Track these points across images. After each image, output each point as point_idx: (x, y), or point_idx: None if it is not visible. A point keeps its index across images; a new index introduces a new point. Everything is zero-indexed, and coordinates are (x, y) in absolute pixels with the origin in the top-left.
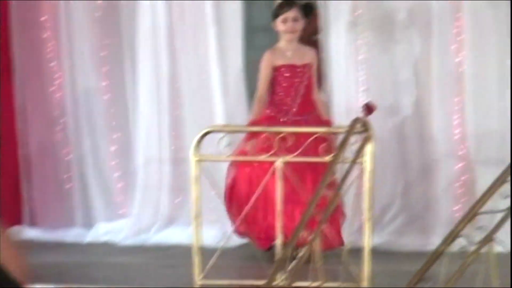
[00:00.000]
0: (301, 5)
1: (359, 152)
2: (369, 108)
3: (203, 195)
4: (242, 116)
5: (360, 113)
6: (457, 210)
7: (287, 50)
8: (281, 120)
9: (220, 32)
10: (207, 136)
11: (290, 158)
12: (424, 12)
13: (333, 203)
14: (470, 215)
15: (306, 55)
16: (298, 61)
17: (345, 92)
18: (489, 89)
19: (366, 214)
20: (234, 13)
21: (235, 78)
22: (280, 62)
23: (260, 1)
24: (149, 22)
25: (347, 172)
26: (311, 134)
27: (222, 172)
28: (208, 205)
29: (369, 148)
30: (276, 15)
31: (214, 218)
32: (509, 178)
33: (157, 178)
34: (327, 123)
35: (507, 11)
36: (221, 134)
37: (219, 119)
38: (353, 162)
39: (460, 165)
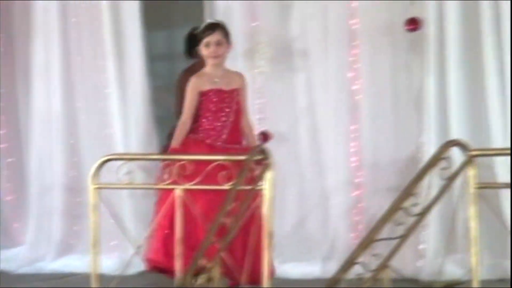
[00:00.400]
0: (226, 28)
1: (259, 179)
2: (265, 136)
3: (103, 222)
4: (149, 143)
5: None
6: (354, 238)
7: (214, 75)
8: (208, 143)
9: (120, 61)
10: (107, 164)
11: (189, 186)
12: (321, 40)
13: (232, 231)
14: (366, 242)
15: (234, 80)
16: (225, 86)
17: None
18: (385, 118)
19: (265, 242)
20: (135, 42)
21: (137, 106)
22: (207, 87)
23: (161, 30)
24: (43, 57)
25: (245, 200)
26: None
27: (122, 200)
28: (107, 233)
29: (268, 176)
30: (199, 39)
31: (113, 245)
32: (402, 205)
33: (53, 206)
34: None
35: (402, 37)
36: (120, 162)
37: (120, 147)
38: (253, 189)
39: (356, 192)
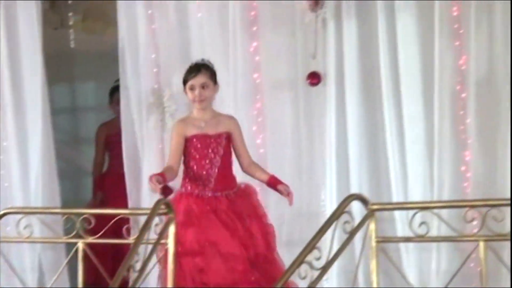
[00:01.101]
0: (212, 69)
1: (162, 233)
2: (166, 191)
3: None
4: (51, 197)
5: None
6: None
7: (200, 119)
8: (196, 194)
9: (20, 114)
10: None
11: (91, 239)
12: (226, 94)
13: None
14: None
15: (222, 124)
16: (211, 131)
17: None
18: (289, 171)
19: None
20: (35, 95)
21: (38, 159)
22: (192, 132)
23: (62, 83)
24: None
25: (150, 254)
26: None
27: (22, 254)
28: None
29: (171, 230)
30: (184, 81)
31: None
32: (306, 259)
33: None
34: (253, 199)
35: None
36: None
37: (19, 201)
38: (157, 244)
39: None
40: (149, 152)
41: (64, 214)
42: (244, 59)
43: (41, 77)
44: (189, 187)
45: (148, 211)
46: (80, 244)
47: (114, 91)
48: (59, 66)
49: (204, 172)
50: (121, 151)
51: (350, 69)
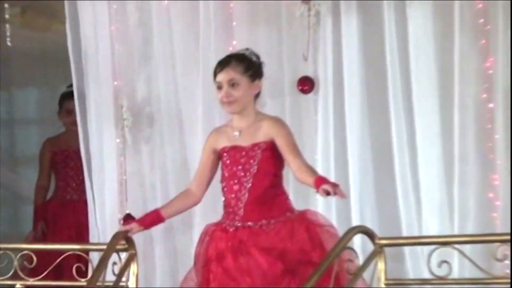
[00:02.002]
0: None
1: (121, 274)
2: (129, 220)
3: None
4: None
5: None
6: None
7: (235, 127)
8: (224, 227)
9: None
10: None
11: (32, 281)
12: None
13: None
14: None
15: (260, 131)
16: (245, 141)
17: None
18: None
19: None
20: None
21: None
22: (223, 143)
23: (24, 90)
24: None
25: None
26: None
27: None
28: None
29: (133, 269)
30: (214, 77)
31: None
32: None
33: None
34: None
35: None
36: None
37: None
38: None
39: None
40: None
41: None
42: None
43: None
44: (221, 217)
45: (104, 247)
46: (19, 287)
47: (65, 98)
48: None
49: (233, 196)
50: (70, 173)
51: (350, 74)
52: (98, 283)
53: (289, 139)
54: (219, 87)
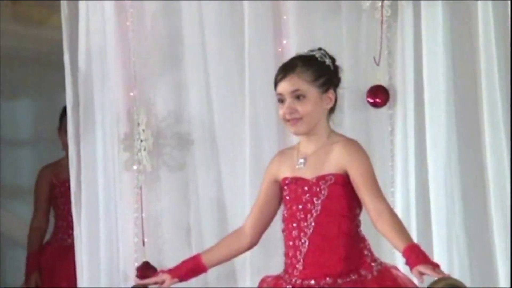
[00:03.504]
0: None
1: None
2: (146, 270)
3: None
4: None
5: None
6: None
7: (301, 152)
8: (280, 284)
9: None
10: None
11: None
12: None
13: None
14: None
15: (330, 158)
16: (309, 173)
17: None
18: None
19: None
20: None
21: None
22: (285, 173)
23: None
24: None
25: None
26: None
27: None
28: None
29: None
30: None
31: None
32: None
33: None
34: None
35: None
36: None
37: None
38: None
39: None
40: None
41: None
42: (266, 64)
43: None
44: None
45: None
46: None
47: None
48: None
49: (291, 243)
50: None
51: (435, 82)
52: None
53: (366, 171)
54: (281, 100)
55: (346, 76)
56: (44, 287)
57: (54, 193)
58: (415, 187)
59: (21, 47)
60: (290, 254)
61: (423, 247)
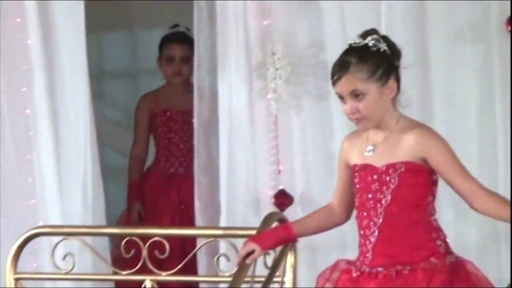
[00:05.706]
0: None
1: (276, 267)
2: (284, 198)
3: None
4: (95, 208)
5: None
6: None
7: (370, 138)
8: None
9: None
10: (33, 242)
11: (165, 276)
12: None
13: None
14: None
15: (401, 146)
16: (379, 160)
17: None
18: None
19: None
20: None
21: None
22: (355, 159)
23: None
24: None
25: None
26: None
27: None
28: None
29: (290, 261)
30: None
31: None
32: None
33: None
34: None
35: None
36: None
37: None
38: (267, 283)
39: None
40: (247, 143)
41: (122, 236)
42: None
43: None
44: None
45: (253, 232)
46: (148, 283)
47: (167, 41)
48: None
49: (362, 232)
50: (174, 139)
51: None
52: (247, 278)
53: (451, 155)
54: (341, 97)
55: None
56: (147, 217)
57: (154, 122)
58: None
59: None
60: (361, 243)
61: None
